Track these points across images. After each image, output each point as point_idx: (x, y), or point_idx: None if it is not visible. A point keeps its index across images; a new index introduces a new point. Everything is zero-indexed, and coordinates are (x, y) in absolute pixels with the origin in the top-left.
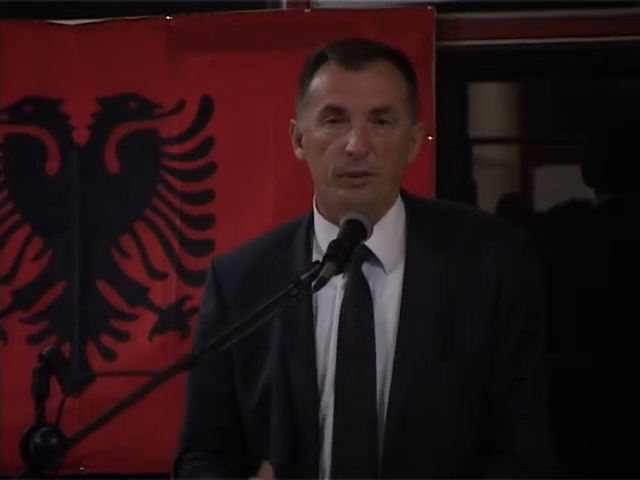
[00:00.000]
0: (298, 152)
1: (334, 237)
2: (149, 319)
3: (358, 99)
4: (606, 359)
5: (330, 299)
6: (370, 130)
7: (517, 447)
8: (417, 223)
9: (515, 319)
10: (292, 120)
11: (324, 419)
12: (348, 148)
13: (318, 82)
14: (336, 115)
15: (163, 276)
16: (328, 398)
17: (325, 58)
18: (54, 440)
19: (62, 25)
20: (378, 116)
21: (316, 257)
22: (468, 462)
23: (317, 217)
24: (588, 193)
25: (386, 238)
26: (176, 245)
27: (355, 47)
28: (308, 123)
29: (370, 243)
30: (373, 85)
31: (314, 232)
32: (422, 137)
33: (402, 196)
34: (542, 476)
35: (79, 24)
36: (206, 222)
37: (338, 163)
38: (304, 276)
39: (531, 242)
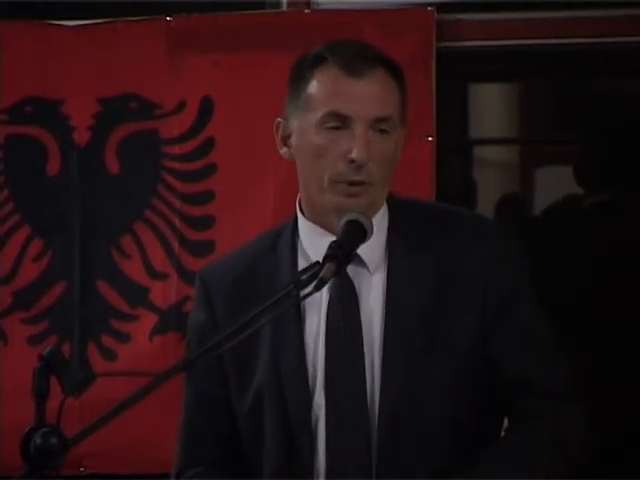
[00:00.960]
0: (284, 151)
1: (320, 240)
2: (149, 320)
3: (362, 107)
4: (605, 359)
5: (316, 300)
6: (371, 138)
7: (546, 422)
8: (399, 223)
9: (507, 317)
10: (279, 119)
11: (317, 420)
12: (352, 155)
13: (318, 85)
14: (338, 121)
15: (163, 277)
16: (320, 399)
17: (324, 60)
18: (54, 440)
19: (62, 25)
20: (379, 125)
21: (301, 261)
22: (461, 459)
23: (302, 221)
24: None
25: (371, 239)
26: (176, 246)
27: (355, 51)
28: (304, 125)
29: None
30: (374, 93)
31: (299, 236)
32: (403, 141)
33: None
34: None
35: (79, 24)
36: (206, 223)
37: (337, 169)
38: (304, 277)
39: (517, 241)
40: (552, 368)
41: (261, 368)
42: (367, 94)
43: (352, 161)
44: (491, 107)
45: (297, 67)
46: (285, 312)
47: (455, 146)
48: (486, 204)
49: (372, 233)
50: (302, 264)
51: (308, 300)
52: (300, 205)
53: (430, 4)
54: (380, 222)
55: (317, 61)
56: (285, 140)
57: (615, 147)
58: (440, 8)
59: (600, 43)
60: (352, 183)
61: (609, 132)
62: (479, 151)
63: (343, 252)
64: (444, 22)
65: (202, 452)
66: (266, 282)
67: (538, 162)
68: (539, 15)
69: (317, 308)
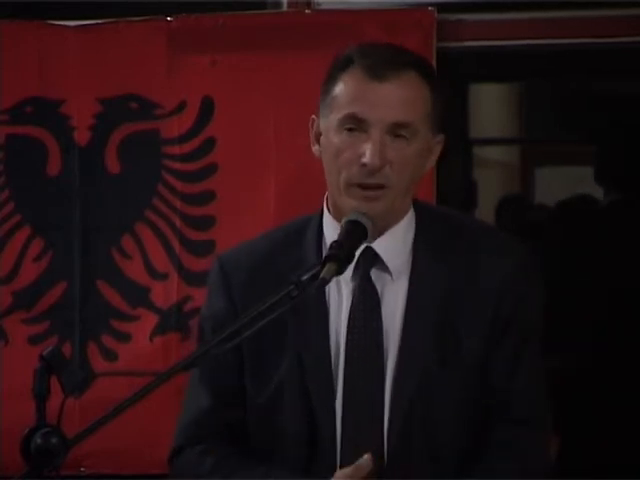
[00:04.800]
0: (315, 149)
1: None
2: (150, 320)
3: (379, 111)
4: (606, 359)
5: (337, 303)
6: (387, 143)
7: (514, 452)
8: (425, 232)
9: (512, 332)
10: (313, 116)
11: (336, 420)
12: (364, 160)
13: (342, 87)
14: (355, 124)
15: (164, 277)
16: (339, 401)
17: (352, 62)
18: (55, 440)
19: (62, 25)
20: (396, 130)
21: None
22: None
23: (327, 218)
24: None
25: (395, 245)
26: (177, 246)
27: (383, 55)
28: (327, 126)
29: (379, 249)
30: (396, 98)
31: (323, 232)
32: (441, 148)
33: (414, 204)
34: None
35: (79, 24)
36: (206, 223)
37: (351, 172)
38: (305, 277)
39: (533, 258)
40: (532, 397)
41: (284, 363)
42: (388, 98)
43: (364, 165)
44: (491, 107)
45: (330, 68)
46: (309, 311)
47: (455, 146)
48: (486, 204)
49: (372, 233)
50: None
51: (331, 302)
52: (327, 201)
53: (430, 4)
54: (407, 228)
55: (345, 63)
56: (317, 138)
57: (615, 147)
58: (440, 8)
59: (600, 43)
60: (366, 187)
61: (609, 132)
62: (479, 151)
63: (344, 252)
64: (444, 22)
65: (205, 433)
66: (289, 275)
67: (538, 162)
68: (539, 15)
69: (337, 310)
